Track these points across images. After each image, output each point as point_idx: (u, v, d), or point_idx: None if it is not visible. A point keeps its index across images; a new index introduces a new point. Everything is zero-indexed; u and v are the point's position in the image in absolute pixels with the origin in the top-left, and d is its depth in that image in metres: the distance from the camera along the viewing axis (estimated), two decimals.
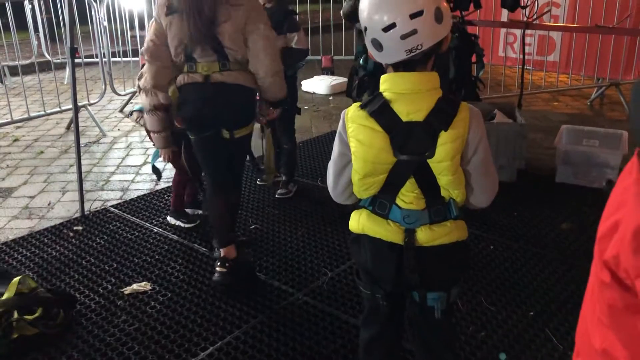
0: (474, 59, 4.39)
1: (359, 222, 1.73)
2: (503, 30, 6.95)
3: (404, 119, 1.57)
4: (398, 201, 1.67)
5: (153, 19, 2.81)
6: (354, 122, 1.62)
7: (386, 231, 1.68)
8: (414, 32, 1.49)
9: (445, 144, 1.56)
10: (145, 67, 2.91)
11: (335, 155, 1.72)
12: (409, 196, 1.65)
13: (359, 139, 1.61)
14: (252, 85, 2.81)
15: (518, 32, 6.02)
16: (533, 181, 4.22)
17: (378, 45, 1.55)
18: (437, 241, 1.66)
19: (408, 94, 1.59)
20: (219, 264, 2.98)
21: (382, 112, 1.58)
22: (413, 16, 1.49)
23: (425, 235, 1.65)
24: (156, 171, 3.68)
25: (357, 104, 1.65)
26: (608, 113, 6.09)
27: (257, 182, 4.29)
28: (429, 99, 1.58)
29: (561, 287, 2.96)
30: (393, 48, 1.53)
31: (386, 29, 1.51)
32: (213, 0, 2.62)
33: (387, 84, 1.62)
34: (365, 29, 1.57)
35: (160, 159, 3.29)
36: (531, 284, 3.00)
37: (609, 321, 0.73)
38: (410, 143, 1.58)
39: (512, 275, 3.08)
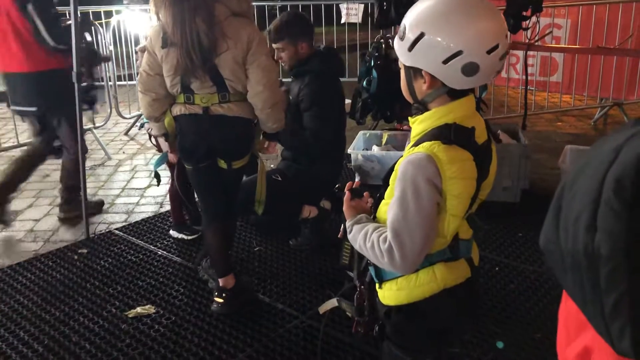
0: None
1: (436, 280, 1.53)
2: None
3: (479, 142, 1.51)
4: (460, 234, 1.56)
5: (145, 48, 2.75)
6: (456, 161, 1.42)
7: (464, 271, 1.58)
8: (507, 52, 1.48)
9: (494, 159, 1.59)
10: (139, 96, 2.84)
11: (427, 210, 1.42)
12: (464, 224, 1.57)
13: (466, 177, 1.45)
14: (251, 117, 2.78)
15: (520, 53, 6.04)
16: (537, 202, 4.16)
17: (472, 70, 1.43)
18: (477, 257, 1.66)
19: (470, 118, 1.52)
20: (216, 293, 2.96)
21: (470, 141, 1.47)
22: (506, 37, 1.48)
23: (476, 256, 1.65)
24: (157, 176, 3.60)
25: (436, 142, 1.42)
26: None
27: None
28: (478, 117, 1.56)
29: None
30: (490, 70, 1.46)
31: (490, 50, 1.42)
32: (212, 32, 2.56)
33: (458, 112, 1.49)
34: (459, 52, 1.41)
35: (163, 166, 3.25)
36: (537, 305, 2.98)
37: None
38: (485, 166, 1.53)
39: (518, 297, 3.06)
